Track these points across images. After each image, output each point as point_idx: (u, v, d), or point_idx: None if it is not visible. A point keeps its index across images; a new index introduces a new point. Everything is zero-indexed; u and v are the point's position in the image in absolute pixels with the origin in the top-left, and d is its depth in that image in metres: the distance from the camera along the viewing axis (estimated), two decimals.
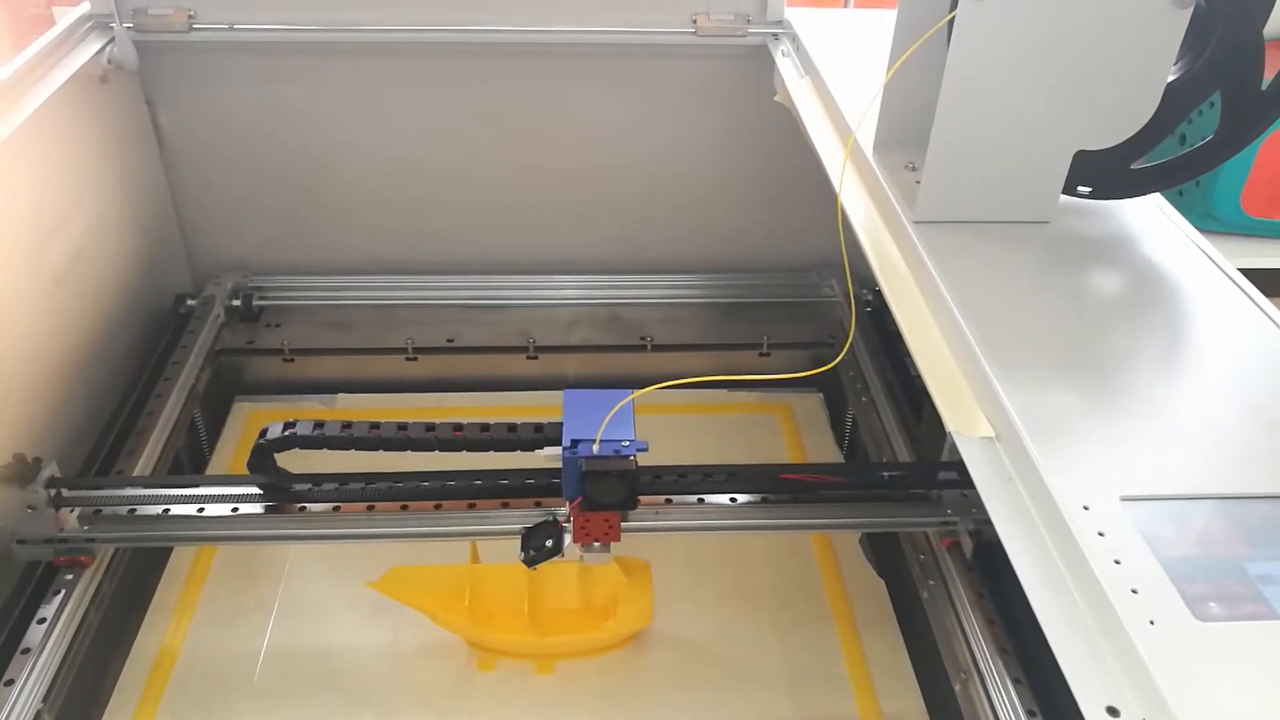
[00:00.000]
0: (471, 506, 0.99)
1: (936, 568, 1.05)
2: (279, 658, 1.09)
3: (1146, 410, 0.68)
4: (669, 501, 0.99)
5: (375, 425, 0.94)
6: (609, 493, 0.89)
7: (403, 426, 0.93)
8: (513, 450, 0.93)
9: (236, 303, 1.43)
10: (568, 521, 0.94)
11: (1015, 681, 0.89)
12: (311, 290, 1.48)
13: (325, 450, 0.93)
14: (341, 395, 1.47)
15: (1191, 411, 0.68)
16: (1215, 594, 0.54)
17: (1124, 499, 0.60)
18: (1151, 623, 0.52)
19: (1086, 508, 0.59)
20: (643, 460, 0.89)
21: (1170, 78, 0.81)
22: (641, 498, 0.94)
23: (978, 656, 0.94)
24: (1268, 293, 0.82)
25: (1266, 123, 0.83)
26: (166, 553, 1.20)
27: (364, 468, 0.99)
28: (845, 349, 1.25)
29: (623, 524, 0.95)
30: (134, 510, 0.99)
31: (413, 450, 0.94)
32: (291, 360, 1.44)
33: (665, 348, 1.46)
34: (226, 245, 1.48)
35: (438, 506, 0.98)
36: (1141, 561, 0.56)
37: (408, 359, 1.44)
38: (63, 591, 0.96)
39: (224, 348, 1.41)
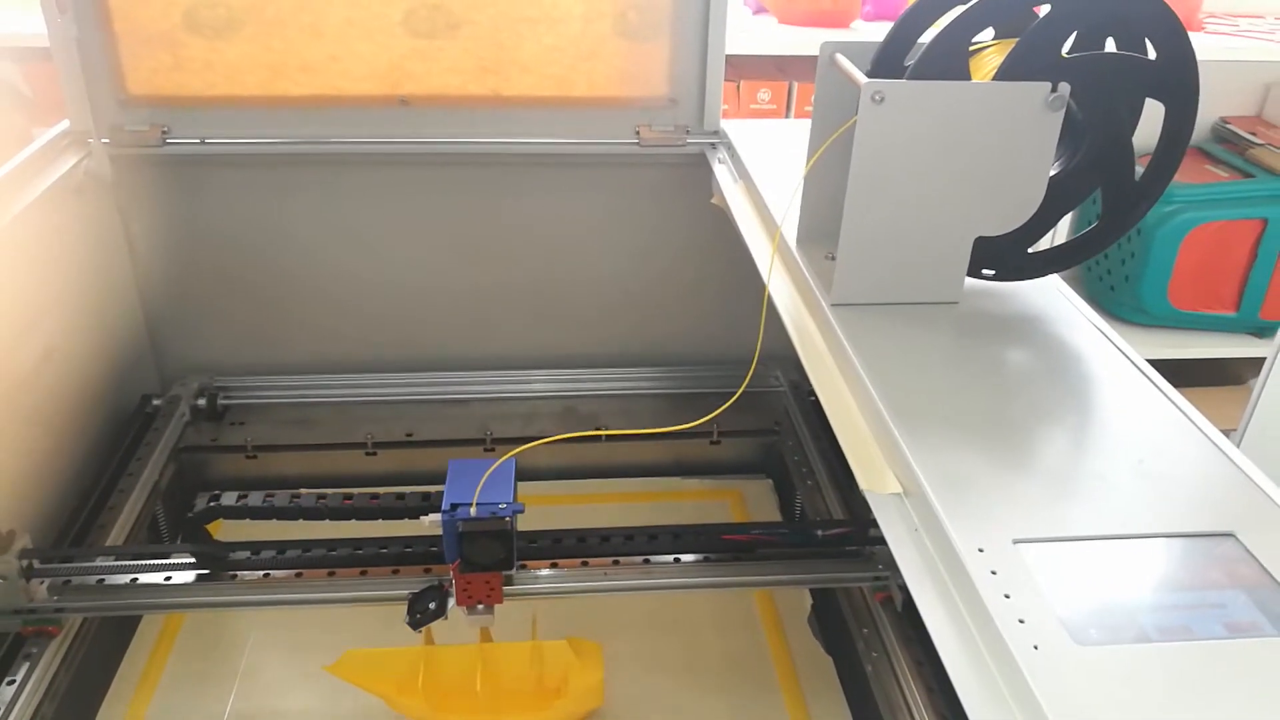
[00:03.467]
0: (363, 573, 1.04)
1: (879, 639, 1.09)
2: None
3: (1040, 466, 0.74)
4: (554, 565, 1.06)
5: (269, 495, 1.03)
6: (486, 553, 0.94)
7: (295, 496, 1.03)
8: (401, 518, 1.00)
9: (201, 402, 1.48)
10: (452, 585, 0.98)
11: None
12: (275, 389, 1.52)
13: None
14: (303, 490, 1.49)
15: (1081, 466, 0.75)
16: (1094, 622, 0.60)
17: (1015, 541, 0.65)
18: (1035, 648, 0.57)
19: (981, 550, 0.65)
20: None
21: (1053, 171, 0.91)
22: (530, 562, 1.01)
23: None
24: (1195, 381, 0.89)
25: (1142, 211, 0.93)
26: (133, 622, 1.22)
27: (299, 535, 1.06)
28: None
29: (505, 587, 0.99)
30: (102, 580, 1.01)
31: (304, 519, 1.01)
32: (254, 457, 1.47)
33: (620, 437, 1.52)
34: (193, 347, 1.53)
35: (331, 574, 1.03)
36: (1029, 595, 0.61)
37: (367, 454, 1.48)
38: (28, 662, 0.98)
39: (188, 445, 1.44)
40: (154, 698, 1.14)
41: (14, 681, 0.96)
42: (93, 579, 1.02)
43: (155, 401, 1.47)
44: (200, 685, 1.15)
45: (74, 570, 1.02)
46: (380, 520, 1.02)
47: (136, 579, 1.02)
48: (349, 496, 1.02)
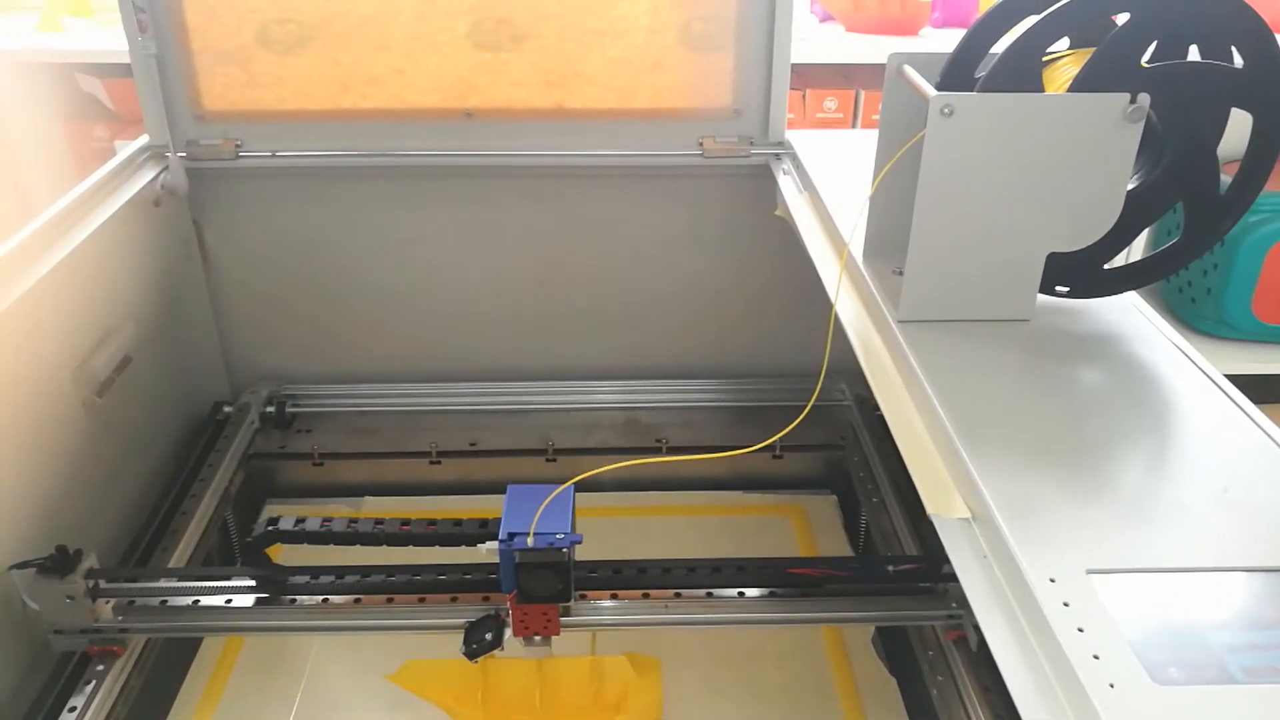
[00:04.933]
0: (422, 600, 1.02)
1: (945, 663, 1.06)
2: None
3: (1115, 493, 0.72)
4: (614, 596, 1.03)
5: (327, 520, 1.03)
6: (543, 585, 0.93)
7: (353, 522, 1.02)
8: (457, 545, 0.98)
9: (270, 410, 1.51)
10: (509, 615, 0.97)
11: None
12: (341, 398, 1.55)
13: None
14: (368, 498, 1.52)
15: (1159, 494, 0.72)
16: (1174, 660, 0.57)
17: (1089, 571, 0.63)
18: (1111, 686, 0.55)
19: (1053, 580, 0.62)
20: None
21: (1132, 185, 0.87)
22: (589, 592, 0.99)
23: None
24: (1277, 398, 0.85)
25: (1228, 226, 0.89)
26: (196, 644, 1.24)
27: (358, 561, 1.05)
28: None
29: (563, 618, 0.98)
30: (165, 601, 1.03)
31: (361, 544, 1.01)
32: (321, 464, 1.50)
33: (680, 449, 1.51)
34: (263, 356, 1.56)
35: (389, 600, 1.03)
36: (1104, 629, 0.59)
37: (431, 462, 1.50)
38: (94, 681, 1.00)
39: (257, 452, 1.47)
40: (215, 714, 1.16)
41: (81, 698, 0.99)
42: (156, 600, 1.04)
43: (226, 409, 1.50)
44: (261, 704, 1.17)
45: (138, 591, 1.04)
46: (437, 547, 1.01)
47: (199, 601, 1.03)
48: (407, 522, 1.01)
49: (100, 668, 1.02)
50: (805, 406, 1.52)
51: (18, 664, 1.01)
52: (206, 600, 1.03)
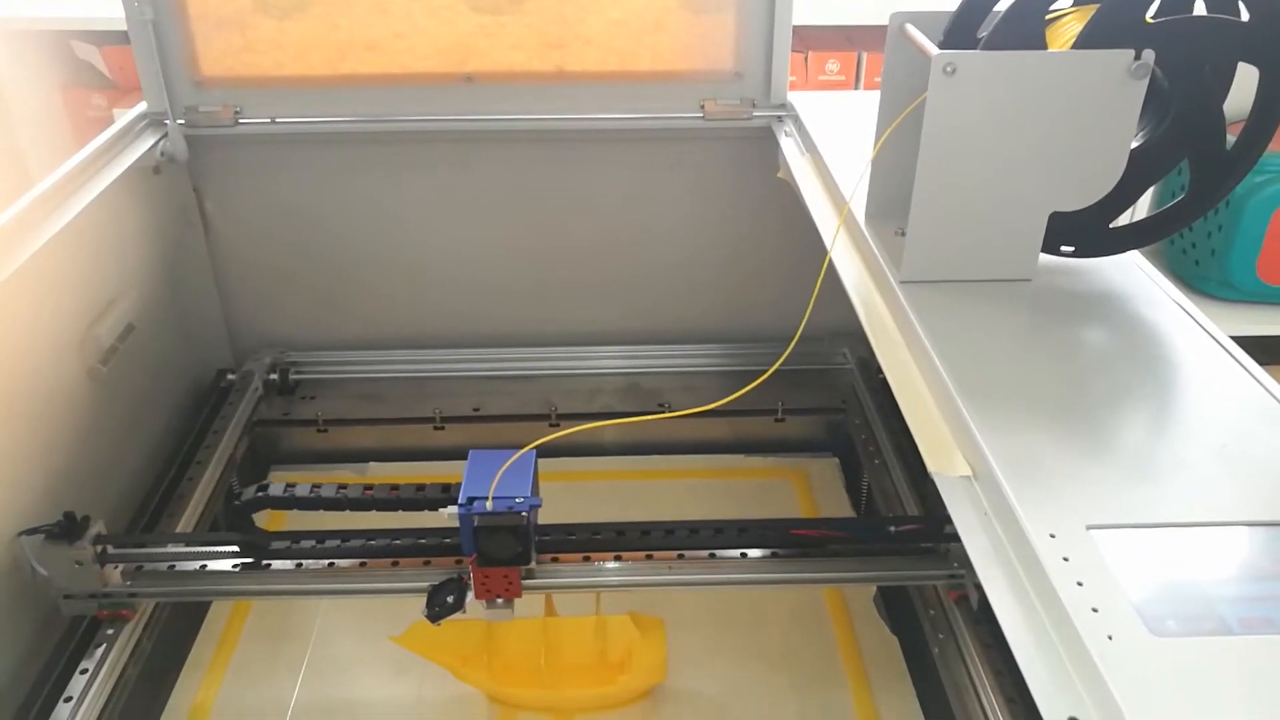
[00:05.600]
0: (395, 564, 1.04)
1: (946, 622, 1.07)
2: (308, 712, 1.13)
3: (1117, 450, 0.72)
4: (587, 559, 1.04)
5: (317, 487, 1.05)
6: (502, 548, 0.94)
7: (316, 487, 1.04)
8: (420, 510, 1.00)
9: (274, 377, 1.51)
10: (470, 579, 0.98)
11: None
12: (345, 364, 1.55)
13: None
14: (372, 464, 1.53)
15: (1159, 450, 0.72)
16: (1172, 612, 0.58)
17: (1089, 527, 0.63)
18: (1110, 638, 0.56)
19: (1053, 535, 0.63)
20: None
21: (1136, 143, 0.87)
22: (562, 556, 1.01)
23: (986, 708, 0.96)
24: None
25: (1233, 183, 0.89)
26: (204, 608, 1.25)
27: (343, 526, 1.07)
28: None
29: (524, 581, 0.99)
30: (173, 566, 1.04)
31: (324, 509, 1.03)
32: (325, 431, 1.50)
33: (678, 414, 1.51)
34: (265, 323, 1.56)
35: (363, 565, 1.04)
36: (1103, 583, 0.59)
37: (435, 428, 1.50)
38: (104, 645, 1.02)
39: (261, 419, 1.48)
40: (226, 676, 1.17)
41: (92, 662, 1.00)
42: (163, 565, 1.05)
43: (230, 376, 1.50)
44: (271, 667, 1.18)
45: (145, 556, 1.05)
46: (400, 512, 1.02)
47: (205, 565, 1.05)
48: (369, 487, 1.02)
49: (110, 631, 1.03)
50: (810, 370, 1.54)
51: (29, 629, 1.03)
52: (213, 565, 1.04)
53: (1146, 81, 0.81)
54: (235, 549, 1.05)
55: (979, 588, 1.01)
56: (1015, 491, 0.66)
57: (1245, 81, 0.87)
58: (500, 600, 0.99)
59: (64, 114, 2.18)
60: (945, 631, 1.07)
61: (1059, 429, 0.73)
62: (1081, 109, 0.82)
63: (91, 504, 1.14)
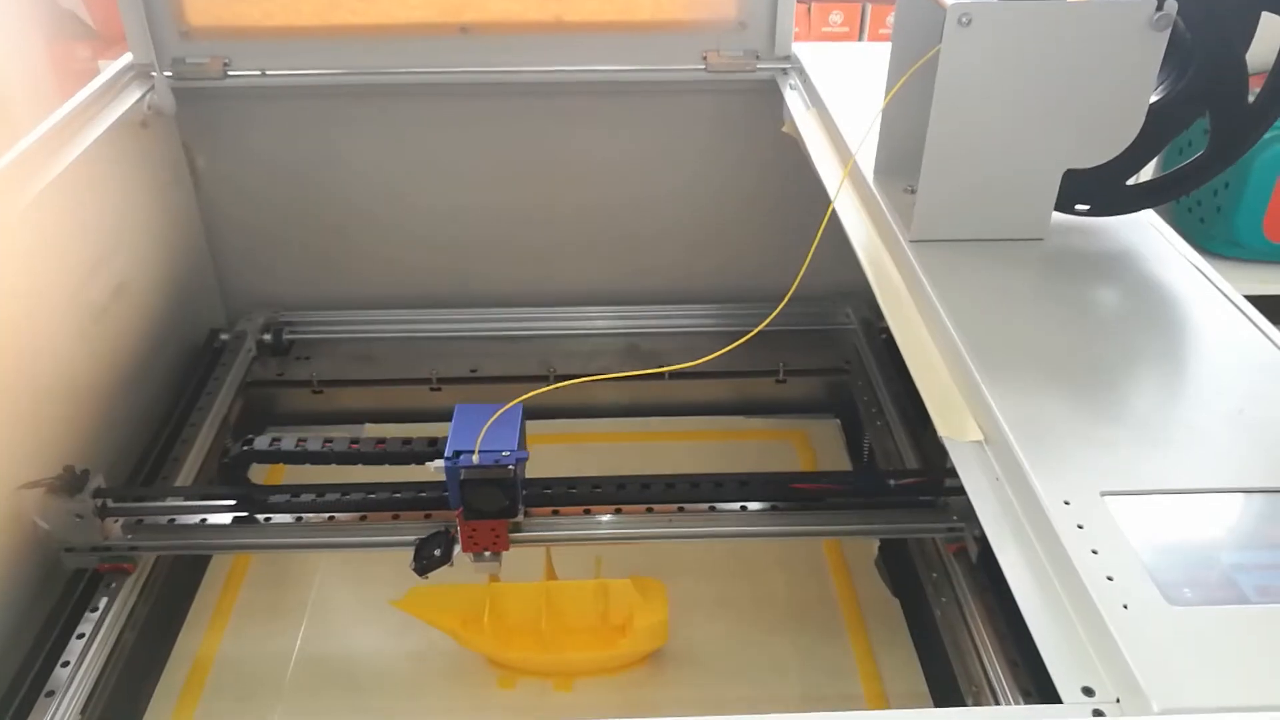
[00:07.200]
0: (395, 518, 1.04)
1: (948, 582, 1.06)
2: (309, 665, 1.13)
3: (1129, 414, 0.70)
4: (619, 511, 1.04)
5: (303, 440, 1.06)
6: (488, 501, 0.93)
7: (302, 440, 1.06)
8: (406, 463, 1.00)
9: (267, 337, 1.49)
10: (457, 532, 0.98)
11: (1025, 694, 0.90)
12: (340, 324, 1.53)
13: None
14: (368, 425, 1.51)
15: (1175, 415, 0.70)
16: (1188, 580, 0.56)
17: (1103, 494, 0.62)
18: (1125, 607, 0.54)
19: (1067, 502, 0.61)
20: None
21: (1155, 98, 0.84)
22: (563, 509, 1.01)
23: (989, 670, 0.95)
24: None
25: (1256, 136, 0.86)
26: (204, 562, 1.25)
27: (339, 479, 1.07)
28: None
29: (512, 534, 0.99)
30: (173, 520, 1.04)
31: (311, 464, 1.05)
32: (320, 392, 1.48)
33: (683, 375, 1.49)
34: (258, 282, 1.54)
35: (363, 518, 1.04)
36: (1118, 551, 0.58)
37: (432, 389, 1.48)
38: (106, 598, 1.01)
39: (255, 380, 1.46)
40: (227, 629, 1.17)
41: (94, 614, 0.99)
42: (163, 519, 1.04)
43: (223, 336, 1.48)
44: (271, 621, 1.18)
45: (145, 510, 1.04)
46: (389, 466, 1.02)
47: (205, 519, 1.04)
48: (356, 441, 1.02)
49: (112, 585, 1.02)
50: (812, 330, 1.52)
51: (31, 582, 1.02)
52: (213, 519, 1.04)
53: (1168, 33, 0.78)
54: (233, 503, 1.04)
55: (978, 539, 1.01)
56: (1029, 458, 0.65)
57: (1264, 33, 0.84)
58: (488, 554, 0.99)
59: (49, 67, 2.13)
60: (948, 594, 1.06)
61: (1073, 393, 0.72)
62: (1100, 61, 0.80)
63: (91, 457, 1.13)
